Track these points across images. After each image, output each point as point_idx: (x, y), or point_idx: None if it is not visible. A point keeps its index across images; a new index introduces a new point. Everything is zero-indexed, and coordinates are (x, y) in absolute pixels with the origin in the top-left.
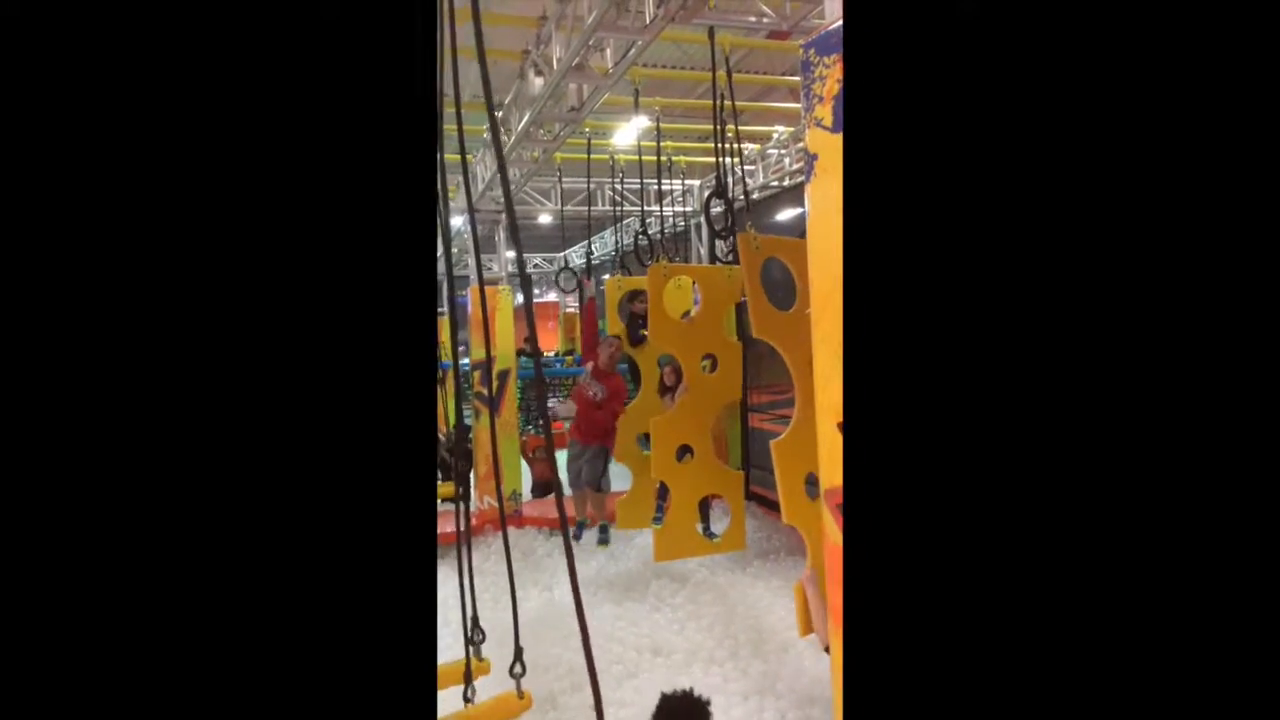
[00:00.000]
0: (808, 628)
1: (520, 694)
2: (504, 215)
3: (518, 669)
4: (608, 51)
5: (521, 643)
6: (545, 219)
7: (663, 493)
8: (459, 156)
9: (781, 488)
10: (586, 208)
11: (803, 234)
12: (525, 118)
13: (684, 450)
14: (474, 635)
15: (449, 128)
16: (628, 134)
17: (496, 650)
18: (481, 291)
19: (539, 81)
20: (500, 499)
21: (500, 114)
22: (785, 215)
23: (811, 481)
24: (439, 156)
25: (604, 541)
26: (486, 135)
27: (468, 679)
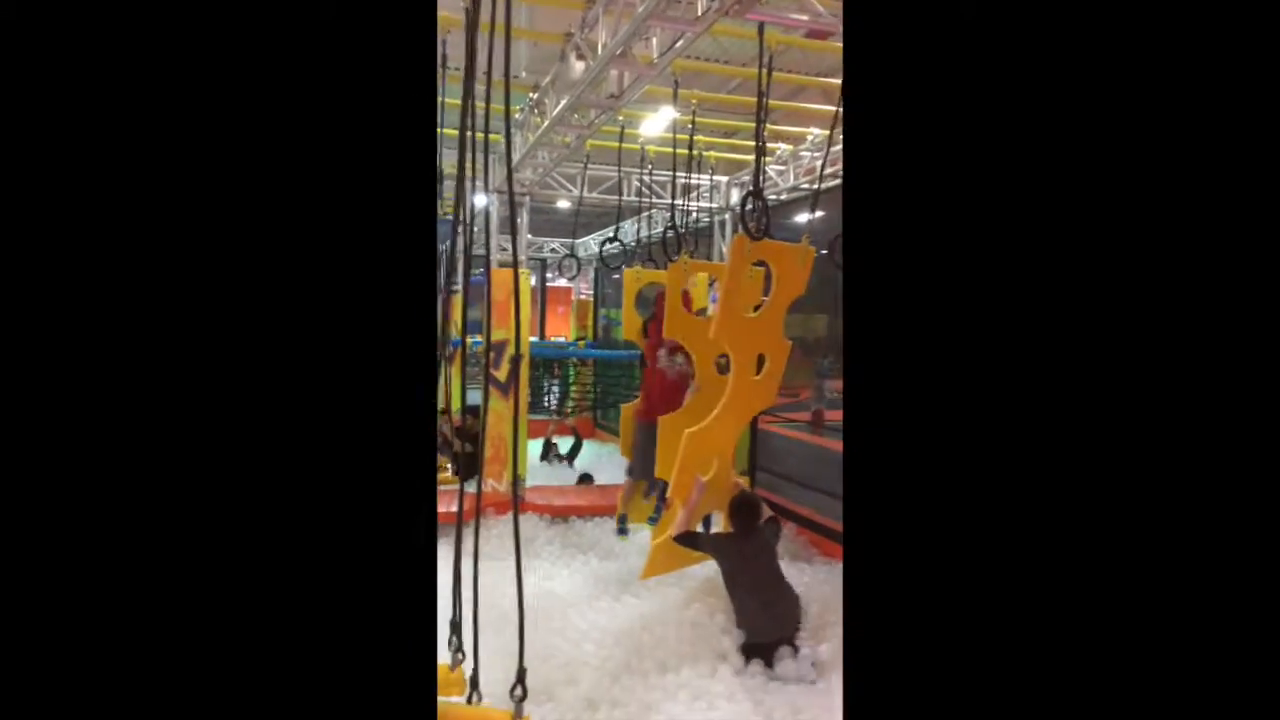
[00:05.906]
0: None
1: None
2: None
3: (519, 691)
4: (653, 41)
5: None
6: (564, 204)
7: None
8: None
9: (678, 473)
10: (678, 206)
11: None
12: (563, 102)
13: None
14: (451, 641)
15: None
16: (655, 124)
17: (496, 658)
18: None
19: (580, 66)
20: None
21: (536, 95)
22: (803, 218)
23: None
24: (471, 135)
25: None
26: (518, 115)
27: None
